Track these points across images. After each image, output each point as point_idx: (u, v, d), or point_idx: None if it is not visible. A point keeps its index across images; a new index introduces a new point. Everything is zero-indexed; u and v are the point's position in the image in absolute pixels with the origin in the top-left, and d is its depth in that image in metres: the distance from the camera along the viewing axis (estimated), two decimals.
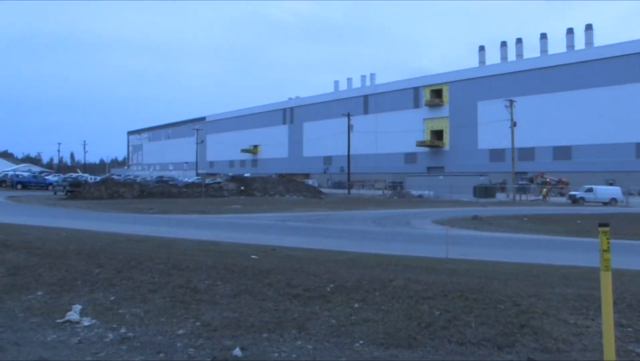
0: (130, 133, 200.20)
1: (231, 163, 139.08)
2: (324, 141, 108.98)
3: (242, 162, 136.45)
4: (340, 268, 10.73)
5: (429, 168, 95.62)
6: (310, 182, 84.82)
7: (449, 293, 8.17)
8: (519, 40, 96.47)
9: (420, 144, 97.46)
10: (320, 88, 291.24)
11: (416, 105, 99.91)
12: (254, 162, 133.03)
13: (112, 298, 8.90)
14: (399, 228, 28.13)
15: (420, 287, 8.56)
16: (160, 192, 57.46)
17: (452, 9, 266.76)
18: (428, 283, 8.85)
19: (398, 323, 7.12)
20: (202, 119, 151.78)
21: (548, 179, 71.71)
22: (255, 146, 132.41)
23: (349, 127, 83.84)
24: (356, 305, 7.95)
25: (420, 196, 65.42)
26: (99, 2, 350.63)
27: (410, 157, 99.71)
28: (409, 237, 23.26)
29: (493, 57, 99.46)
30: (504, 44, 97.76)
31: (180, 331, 7.36)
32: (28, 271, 10.65)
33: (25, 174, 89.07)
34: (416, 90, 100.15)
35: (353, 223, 30.18)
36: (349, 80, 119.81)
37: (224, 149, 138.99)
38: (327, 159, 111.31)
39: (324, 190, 75.07)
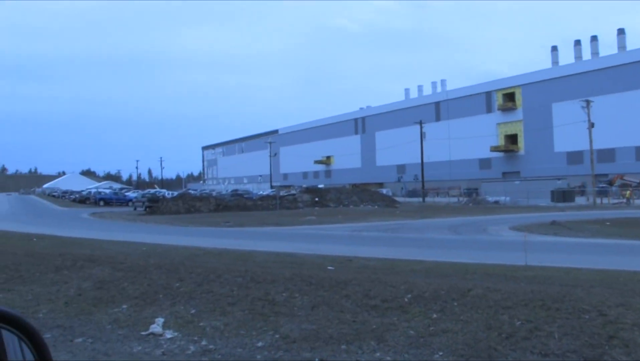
0: (204, 148, 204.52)
1: (305, 175, 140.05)
2: (396, 149, 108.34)
3: (316, 174, 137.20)
4: (418, 278, 10.63)
5: (504, 173, 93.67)
6: (384, 191, 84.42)
7: (530, 302, 7.96)
8: (594, 38, 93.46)
9: (495, 149, 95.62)
10: (390, 96, 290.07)
11: (489, 110, 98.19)
12: (328, 173, 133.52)
13: (193, 311, 9.09)
14: (475, 235, 27.63)
15: (500, 296, 8.37)
16: (235, 205, 58.30)
17: (522, 10, 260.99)
18: (507, 291, 8.64)
19: (478, 333, 6.99)
20: (275, 131, 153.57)
21: (628, 181, 68.86)
22: (328, 157, 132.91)
23: (422, 135, 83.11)
24: (434, 316, 7.86)
25: (496, 202, 64.11)
26: (170, 21, 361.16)
27: (484, 163, 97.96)
28: (486, 244, 22.81)
29: (567, 57, 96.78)
30: (577, 43, 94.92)
31: (260, 344, 7.45)
32: (113, 285, 11.02)
33: (107, 191, 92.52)
34: (488, 94, 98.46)
35: (429, 231, 29.85)
36: (420, 87, 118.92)
37: (297, 161, 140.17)
38: (401, 168, 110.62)
39: (398, 199, 74.56)
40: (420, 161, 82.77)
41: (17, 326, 1.69)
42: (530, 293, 8.54)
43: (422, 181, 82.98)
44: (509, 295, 8.39)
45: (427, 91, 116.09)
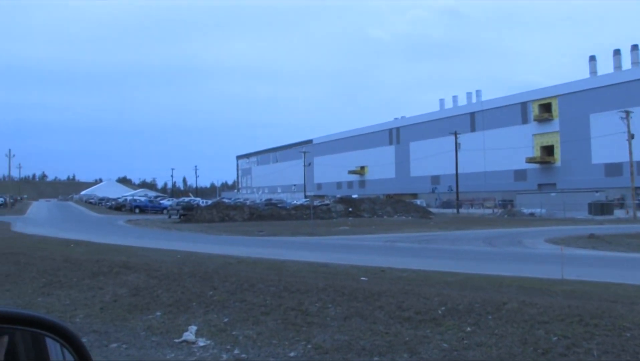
0: (239, 157, 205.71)
1: (339, 185, 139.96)
2: (431, 160, 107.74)
3: (350, 184, 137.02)
4: (452, 290, 10.52)
5: (539, 185, 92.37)
6: (418, 202, 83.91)
7: (567, 318, 7.80)
8: (634, 47, 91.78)
9: (530, 160, 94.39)
10: (425, 107, 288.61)
11: (524, 120, 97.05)
12: (362, 183, 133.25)
13: (226, 319, 9.12)
14: (510, 247, 27.27)
15: (535, 310, 8.22)
16: (269, 214, 58.51)
17: (559, 20, 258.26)
18: (543, 306, 8.49)
19: (513, 348, 6.87)
20: (309, 141, 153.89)
21: None
22: (362, 167, 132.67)
23: (456, 146, 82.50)
24: (468, 329, 7.76)
25: (531, 214, 63.22)
26: (206, 31, 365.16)
27: (519, 175, 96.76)
28: (521, 257, 22.48)
29: (605, 66, 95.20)
30: (617, 52, 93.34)
31: (292, 354, 7.43)
32: (147, 292, 11.12)
33: (142, 198, 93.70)
34: (524, 105, 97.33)
35: (463, 243, 29.55)
36: (455, 98, 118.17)
37: (331, 171, 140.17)
38: (435, 179, 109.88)
39: (432, 210, 74.08)
40: (454, 172, 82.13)
41: (58, 332, 1.72)
42: (567, 308, 8.38)
43: (457, 192, 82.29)
44: (545, 310, 8.24)
45: (462, 101, 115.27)
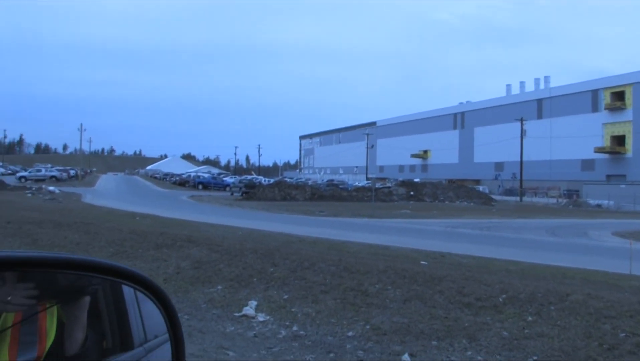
0: (302, 137, 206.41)
1: (401, 168, 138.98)
2: (495, 146, 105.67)
3: (412, 167, 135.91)
4: (513, 279, 10.33)
5: (608, 176, 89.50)
6: (480, 188, 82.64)
7: (636, 314, 7.52)
8: None
9: (599, 150, 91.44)
10: (491, 92, 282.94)
11: (594, 109, 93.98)
12: (424, 167, 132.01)
13: (286, 296, 9.20)
14: (574, 238, 26.60)
15: (602, 304, 7.98)
16: (330, 195, 58.70)
17: (632, 5, 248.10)
18: (610, 300, 8.22)
19: (576, 341, 6.70)
20: (373, 123, 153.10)
21: None
22: (425, 151, 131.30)
23: (522, 133, 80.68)
24: (530, 318, 7.61)
25: (598, 206, 61.41)
26: (273, 12, 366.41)
27: (587, 164, 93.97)
28: (586, 249, 21.90)
29: None
30: None
31: (350, 333, 7.45)
32: (209, 266, 11.32)
33: (206, 175, 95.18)
34: (594, 93, 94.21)
35: (525, 231, 28.99)
36: (522, 84, 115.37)
37: (394, 154, 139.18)
38: (499, 165, 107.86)
39: (494, 197, 72.85)
40: (519, 159, 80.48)
41: (148, 287, 1.76)
42: (636, 303, 8.09)
43: (521, 180, 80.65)
44: (612, 304, 7.98)
45: (530, 87, 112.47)
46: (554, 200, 73.37)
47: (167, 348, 1.78)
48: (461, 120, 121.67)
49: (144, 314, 1.80)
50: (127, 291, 1.76)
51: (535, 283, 9.83)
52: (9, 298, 1.44)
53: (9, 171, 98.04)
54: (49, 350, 1.52)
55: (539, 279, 10.74)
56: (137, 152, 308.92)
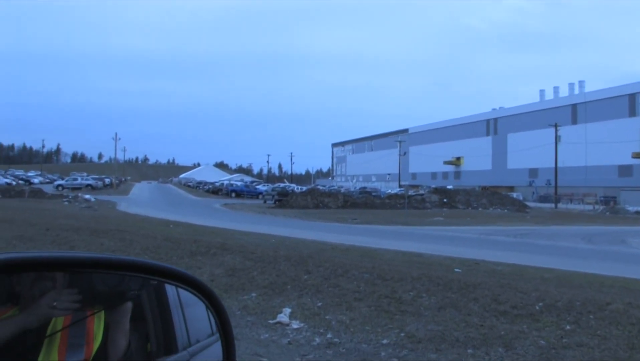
0: (334, 145, 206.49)
1: (434, 175, 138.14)
2: (529, 152, 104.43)
3: (445, 174, 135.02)
4: (549, 286, 10.19)
5: None
6: (514, 195, 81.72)
7: None
8: None
9: (637, 155, 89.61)
10: (524, 98, 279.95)
11: (632, 113, 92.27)
12: (457, 174, 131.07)
13: (319, 303, 9.20)
14: (612, 246, 26.11)
15: None
16: (363, 203, 58.59)
17: None
18: None
19: (618, 352, 6.57)
20: (405, 130, 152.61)
21: None
22: (458, 158, 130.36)
23: (556, 138, 79.63)
24: (568, 327, 7.49)
25: (637, 213, 60.24)
26: (304, 21, 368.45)
27: (624, 170, 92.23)
28: (625, 257, 21.48)
29: None
30: None
31: (385, 341, 7.42)
32: (243, 273, 11.38)
33: (238, 183, 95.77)
34: (631, 97, 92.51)
35: (560, 239, 28.56)
36: (556, 89, 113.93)
37: (427, 161, 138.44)
38: (533, 172, 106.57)
39: (528, 204, 72.02)
40: (553, 165, 79.42)
41: (199, 289, 1.78)
42: None
43: (555, 186, 79.56)
44: None
45: (564, 92, 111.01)
46: (590, 207, 72.24)
47: (210, 352, 1.80)
48: (494, 126, 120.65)
49: (188, 316, 1.82)
50: (171, 293, 1.79)
51: (573, 291, 9.68)
52: (55, 303, 1.49)
53: (47, 180, 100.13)
54: (96, 353, 1.55)
55: (576, 288, 10.58)
56: (171, 160, 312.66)
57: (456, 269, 13.08)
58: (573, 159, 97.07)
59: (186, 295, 1.78)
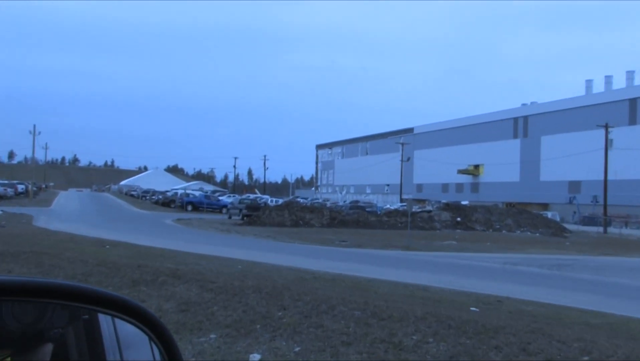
0: (319, 147, 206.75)
1: (445, 187, 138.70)
2: (569, 160, 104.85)
3: (459, 186, 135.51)
4: (598, 336, 10.23)
5: None
6: (549, 214, 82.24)
7: None
8: None
9: None
10: (565, 90, 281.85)
11: None
12: (474, 186, 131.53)
13: (297, 348, 9.20)
14: None
15: None
16: (355, 220, 58.92)
17: None
18: None
19: None
20: (409, 130, 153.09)
21: None
22: (477, 166, 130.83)
23: (607, 143, 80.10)
24: None
25: None
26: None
27: None
28: None
29: None
30: None
31: None
32: (200, 308, 11.36)
33: (197, 193, 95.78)
34: None
35: (611, 273, 28.68)
36: (608, 78, 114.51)
37: (436, 169, 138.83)
38: (574, 185, 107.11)
39: (567, 226, 72.48)
40: (602, 177, 79.77)
41: (145, 322, 1.75)
42: None
43: (605, 205, 79.92)
44: None
45: (619, 83, 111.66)
46: None
47: None
48: (524, 126, 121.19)
49: (127, 356, 1.80)
50: (107, 326, 1.76)
51: (631, 343, 9.73)
52: None
53: None
54: None
55: (635, 339, 10.63)
56: (109, 163, 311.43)
57: (472, 308, 13.13)
58: (630, 170, 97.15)
59: (126, 328, 1.75)
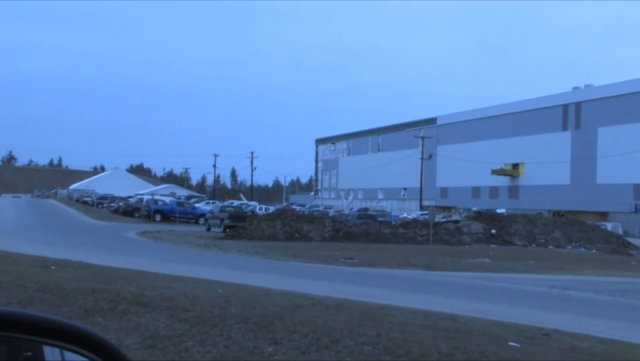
0: (319, 142, 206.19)
1: (475, 191, 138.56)
2: (633, 158, 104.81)
3: (493, 190, 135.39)
4: None
5: None
6: (609, 226, 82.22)
7: None
8: None
9: None
10: (627, 70, 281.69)
11: None
12: (513, 190, 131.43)
13: None
14: None
15: None
16: (364, 233, 58.88)
17: None
18: None
19: None
20: (432, 120, 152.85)
21: None
22: (515, 165, 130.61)
23: None
24: None
25: None
26: None
27: None
28: None
29: None
30: None
31: None
32: (170, 343, 11.34)
33: (167, 199, 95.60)
34: None
35: None
36: None
37: (464, 169, 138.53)
38: None
39: (633, 241, 72.35)
40: None
41: (101, 353, 1.74)
42: None
43: None
44: None
45: None
46: None
47: None
48: (575, 115, 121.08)
49: None
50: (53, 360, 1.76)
51: None
52: None
53: None
54: None
55: None
56: (56, 162, 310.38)
57: (511, 343, 13.14)
58: None
59: None
